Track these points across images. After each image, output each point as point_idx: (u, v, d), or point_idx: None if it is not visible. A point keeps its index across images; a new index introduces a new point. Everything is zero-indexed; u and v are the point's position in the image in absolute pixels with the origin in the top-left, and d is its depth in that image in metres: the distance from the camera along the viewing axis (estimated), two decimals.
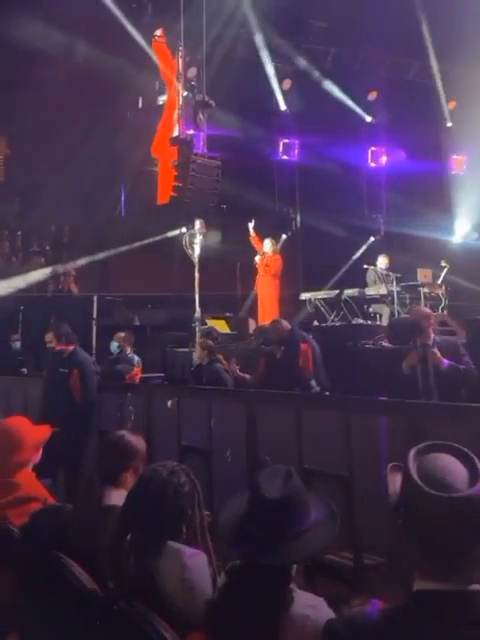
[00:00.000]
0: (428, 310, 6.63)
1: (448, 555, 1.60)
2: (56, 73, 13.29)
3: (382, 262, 11.40)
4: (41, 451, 3.63)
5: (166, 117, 13.62)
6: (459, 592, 1.58)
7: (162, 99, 13.65)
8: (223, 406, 5.86)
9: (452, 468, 1.65)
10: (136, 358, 8.91)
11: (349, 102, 14.47)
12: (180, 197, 11.45)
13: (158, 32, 13.09)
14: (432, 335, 5.93)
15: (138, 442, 3.15)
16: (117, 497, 2.84)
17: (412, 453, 1.70)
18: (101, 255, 13.46)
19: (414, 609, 1.62)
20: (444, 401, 5.33)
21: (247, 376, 8.04)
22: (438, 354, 5.66)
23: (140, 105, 14.64)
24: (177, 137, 11.93)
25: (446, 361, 5.64)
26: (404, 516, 1.67)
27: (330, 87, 14.11)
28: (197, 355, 8.13)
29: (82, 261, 13.29)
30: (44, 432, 3.67)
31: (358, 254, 14.30)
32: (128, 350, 8.89)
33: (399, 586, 1.95)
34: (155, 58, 13.12)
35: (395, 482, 1.74)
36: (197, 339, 9.33)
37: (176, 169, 11.75)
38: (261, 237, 11.75)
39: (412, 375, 5.77)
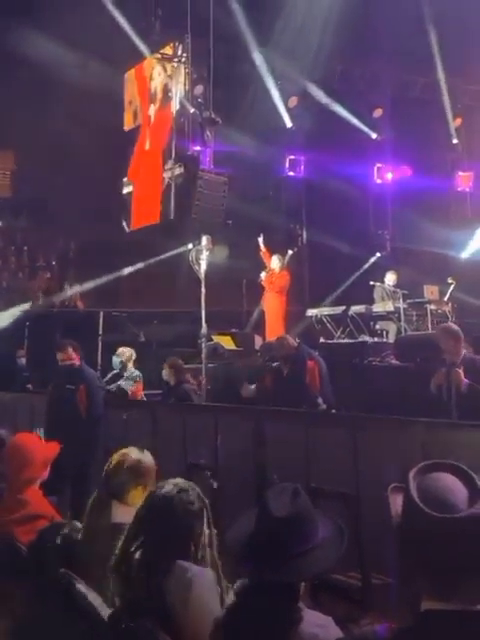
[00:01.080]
0: (456, 327, 6.29)
1: (452, 575, 1.60)
2: (63, 89, 13.44)
3: (390, 278, 11.39)
4: (49, 468, 3.66)
5: (141, 138, 13.97)
6: (466, 612, 1.59)
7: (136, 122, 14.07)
8: (230, 423, 5.87)
9: (452, 487, 1.64)
10: (137, 374, 8.92)
11: (354, 120, 14.56)
12: (163, 220, 11.74)
13: (168, 50, 13.29)
14: (462, 352, 5.81)
15: (147, 459, 3.17)
16: (125, 515, 2.85)
17: (412, 473, 1.69)
18: (107, 277, 13.53)
19: (422, 629, 1.63)
20: (464, 421, 5.20)
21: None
22: (460, 374, 5.58)
23: None
24: (184, 154, 12.08)
25: (466, 381, 5.57)
26: (407, 537, 1.67)
27: (336, 105, 14.20)
28: (165, 375, 8.06)
29: (90, 284, 13.40)
30: (53, 449, 3.70)
31: (362, 270, 14.31)
32: (130, 366, 8.91)
33: (407, 606, 1.96)
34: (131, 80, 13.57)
35: (396, 503, 1.74)
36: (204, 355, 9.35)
37: (182, 185, 11.92)
38: (271, 252, 11.82)
39: (439, 395, 5.70)
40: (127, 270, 13.83)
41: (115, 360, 8.88)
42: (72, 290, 13.16)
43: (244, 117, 12.92)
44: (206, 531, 2.52)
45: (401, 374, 8.48)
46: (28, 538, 3.11)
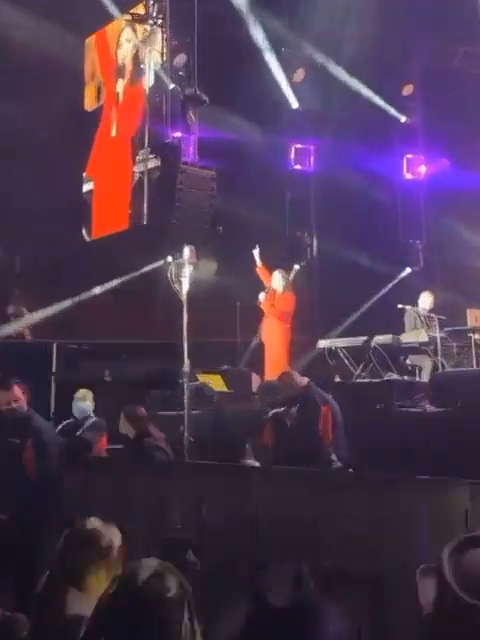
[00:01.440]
0: None
1: None
2: (8, 59, 13.62)
3: (425, 301, 11.43)
4: None
5: (106, 121, 14.14)
6: None
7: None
8: (218, 487, 5.90)
9: None
10: (101, 423, 8.93)
11: (378, 98, 14.68)
12: (135, 224, 11.77)
13: (140, 9, 13.45)
14: None
15: (111, 534, 3.19)
16: (84, 604, 2.87)
17: (446, 552, 1.70)
18: (62, 301, 13.56)
19: None
20: None
21: None
22: None
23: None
24: (161, 142, 12.19)
25: None
26: (441, 633, 1.69)
27: (353, 79, 14.30)
28: (122, 427, 7.78)
29: (40, 310, 13.42)
30: None
31: (386, 289, 14.37)
32: (91, 413, 8.96)
33: None
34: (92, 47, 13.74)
35: (427, 590, 1.75)
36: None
37: (157, 181, 12.02)
38: (270, 268, 11.83)
39: None
40: (88, 291, 13.87)
41: (80, 406, 8.91)
42: (18, 320, 13.16)
43: (237, 95, 13.04)
44: (187, 624, 2.53)
45: (438, 422, 8.52)
46: None
